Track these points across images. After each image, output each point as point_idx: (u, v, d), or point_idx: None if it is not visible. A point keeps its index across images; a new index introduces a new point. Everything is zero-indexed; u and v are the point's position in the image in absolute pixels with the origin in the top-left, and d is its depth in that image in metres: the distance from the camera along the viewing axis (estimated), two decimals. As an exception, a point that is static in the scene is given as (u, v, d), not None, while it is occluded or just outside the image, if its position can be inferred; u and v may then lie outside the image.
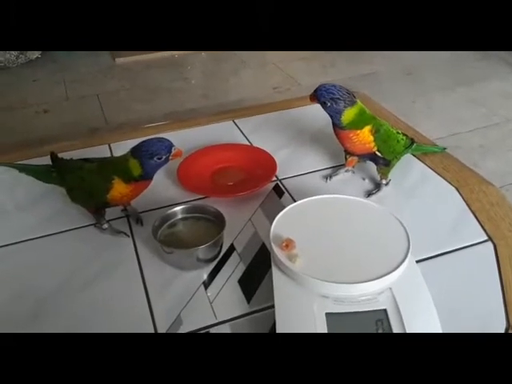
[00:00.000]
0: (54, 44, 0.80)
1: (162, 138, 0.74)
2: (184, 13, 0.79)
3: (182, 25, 0.80)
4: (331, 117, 0.84)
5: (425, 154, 0.99)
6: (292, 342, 0.49)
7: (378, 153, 0.85)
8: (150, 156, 0.72)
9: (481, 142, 1.98)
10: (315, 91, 0.83)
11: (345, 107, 0.81)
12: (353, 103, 0.81)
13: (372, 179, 0.91)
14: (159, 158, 0.72)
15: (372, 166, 0.91)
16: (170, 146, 0.73)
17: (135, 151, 0.73)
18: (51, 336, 0.50)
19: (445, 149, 1.00)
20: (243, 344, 0.49)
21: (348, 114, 0.81)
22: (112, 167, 0.75)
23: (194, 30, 0.81)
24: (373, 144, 0.84)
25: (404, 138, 0.90)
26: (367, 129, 0.83)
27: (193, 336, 0.61)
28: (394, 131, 0.88)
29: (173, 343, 0.50)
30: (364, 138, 0.83)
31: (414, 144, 0.92)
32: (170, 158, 0.74)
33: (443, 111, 2.22)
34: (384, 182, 0.89)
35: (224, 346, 0.49)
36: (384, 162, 0.87)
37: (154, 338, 0.56)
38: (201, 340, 0.53)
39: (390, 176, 0.89)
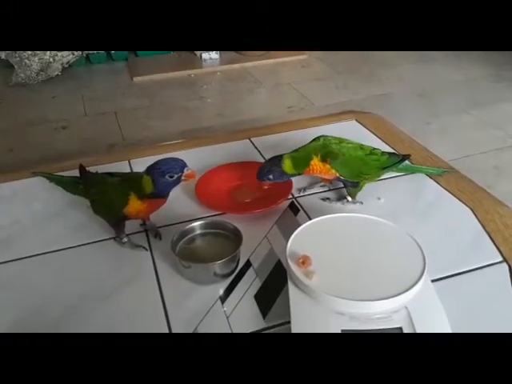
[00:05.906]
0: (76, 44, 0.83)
1: (177, 158, 0.75)
2: (184, 13, 0.81)
3: (182, 25, 0.82)
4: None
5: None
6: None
7: (341, 177, 0.87)
8: (162, 174, 0.73)
9: (495, 163, 1.98)
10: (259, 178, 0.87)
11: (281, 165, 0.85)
12: (280, 160, 0.86)
13: (388, 198, 0.92)
14: (171, 177, 0.73)
15: (387, 185, 0.92)
16: (183, 166, 0.74)
17: (149, 169, 0.74)
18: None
19: (445, 171, 0.98)
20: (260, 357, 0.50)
21: (287, 166, 0.85)
22: (129, 183, 0.77)
23: (194, 30, 0.83)
24: (333, 171, 0.86)
25: (380, 158, 0.89)
26: (316, 160, 0.85)
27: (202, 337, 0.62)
28: (363, 153, 0.88)
29: (182, 344, 0.51)
30: (319, 169, 0.86)
31: (402, 161, 0.91)
32: (183, 178, 0.74)
33: (457, 133, 2.23)
34: (350, 199, 0.90)
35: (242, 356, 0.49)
36: (351, 184, 0.89)
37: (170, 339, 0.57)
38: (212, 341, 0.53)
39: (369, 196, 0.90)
